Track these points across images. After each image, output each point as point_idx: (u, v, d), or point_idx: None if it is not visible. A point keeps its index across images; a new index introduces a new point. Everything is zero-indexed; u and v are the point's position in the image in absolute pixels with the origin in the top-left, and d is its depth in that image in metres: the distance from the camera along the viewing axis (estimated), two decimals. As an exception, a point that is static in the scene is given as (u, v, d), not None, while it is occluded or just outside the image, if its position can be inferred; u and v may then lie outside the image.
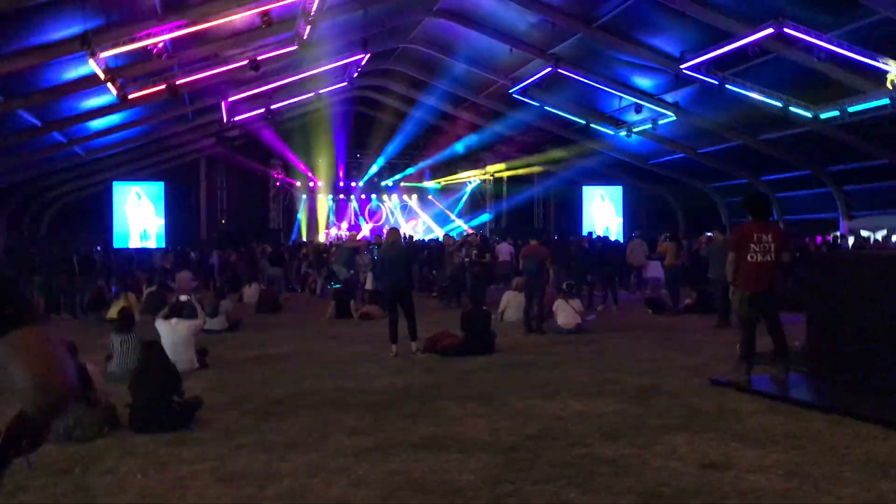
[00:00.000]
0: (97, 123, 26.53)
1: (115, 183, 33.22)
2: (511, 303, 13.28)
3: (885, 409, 6.53)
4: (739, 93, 22.89)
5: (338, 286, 15.90)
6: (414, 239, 27.75)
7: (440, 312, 15.33)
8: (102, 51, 18.36)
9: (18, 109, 22.54)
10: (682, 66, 22.13)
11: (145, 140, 30.60)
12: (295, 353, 10.60)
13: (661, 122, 26.53)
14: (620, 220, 35.68)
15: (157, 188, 34.27)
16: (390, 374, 8.93)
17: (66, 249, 16.02)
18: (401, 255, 10.14)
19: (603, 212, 35.70)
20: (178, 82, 21.45)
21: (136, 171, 34.56)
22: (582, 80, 25.13)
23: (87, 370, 6.67)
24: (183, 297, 11.99)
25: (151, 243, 32.96)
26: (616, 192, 36.43)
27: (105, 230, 33.23)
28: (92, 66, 18.76)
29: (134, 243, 32.98)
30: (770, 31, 18.78)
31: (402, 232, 10.70)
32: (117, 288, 16.97)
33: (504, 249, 21.26)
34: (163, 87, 21.28)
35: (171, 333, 9.35)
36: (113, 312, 14.49)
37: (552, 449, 5.75)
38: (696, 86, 24.21)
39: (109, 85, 19.60)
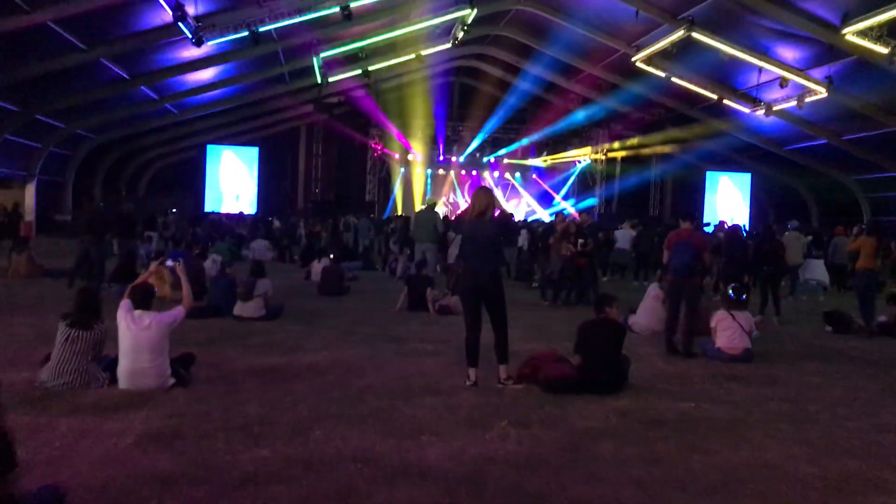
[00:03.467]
0: (188, 79, 23.90)
1: (208, 146, 30.61)
2: (646, 307, 9.12)
3: None
4: (913, 65, 17.86)
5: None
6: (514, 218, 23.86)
7: (541, 311, 11.32)
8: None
9: (102, 59, 19.98)
10: (844, 31, 17.37)
11: (241, 102, 27.94)
12: (329, 367, 6.88)
13: (808, 99, 21.52)
14: (748, 210, 30.56)
15: (252, 153, 31.54)
16: (457, 430, 5.06)
17: (94, 206, 12.79)
18: (490, 230, 6.26)
19: (729, 200, 30.65)
20: (260, 29, 18.23)
21: (234, 136, 32.09)
22: (720, 46, 20.48)
23: None
24: (167, 264, 8.56)
25: (243, 209, 30.25)
26: (744, 179, 31.25)
27: (197, 193, 30.78)
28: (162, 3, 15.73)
29: (227, 208, 30.33)
30: (974, -19, 14.13)
31: (495, 198, 6.41)
32: (149, 255, 13.64)
33: (622, 236, 17.07)
34: (244, 33, 18.13)
35: (132, 332, 5.79)
36: (139, 285, 11.26)
37: None
38: (853, 59, 19.38)
39: (181, 25, 16.49)
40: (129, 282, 11.54)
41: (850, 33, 17.39)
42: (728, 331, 7.57)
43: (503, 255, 6.47)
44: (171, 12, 15.83)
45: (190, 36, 17.13)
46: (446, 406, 5.61)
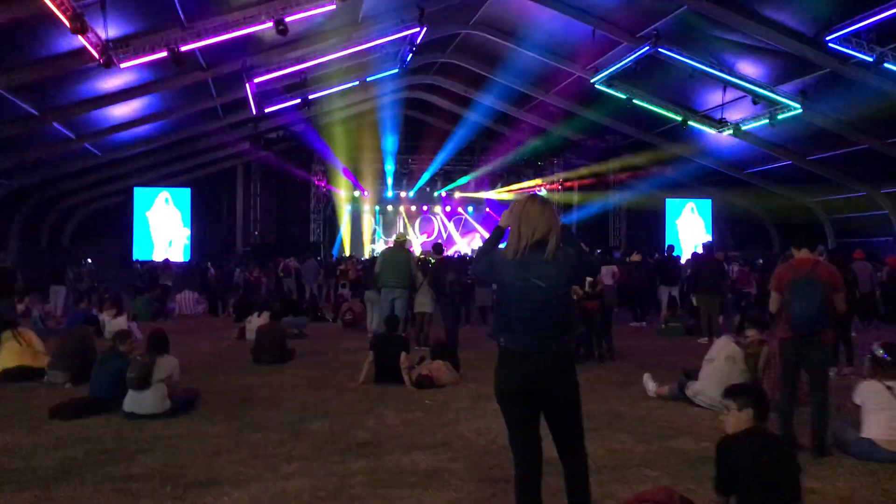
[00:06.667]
0: (109, 115, 20.30)
1: (136, 189, 26.86)
2: (715, 371, 6.11)
3: None
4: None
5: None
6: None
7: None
8: (63, -15, 11.94)
9: (1, 90, 16.33)
10: (827, 38, 15.27)
11: (170, 140, 24.40)
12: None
13: (780, 116, 19.39)
14: (709, 237, 28.40)
15: (184, 195, 27.85)
16: None
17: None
18: (556, 276, 3.15)
19: (691, 227, 28.49)
20: (182, 48, 15.00)
21: (164, 178, 28.29)
22: (685, 62, 18.26)
23: None
24: None
25: (177, 256, 26.49)
26: (704, 205, 29.21)
27: (126, 240, 26.92)
28: (53, 9, 12.32)
29: (159, 255, 26.50)
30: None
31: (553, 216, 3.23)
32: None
33: (604, 271, 14.22)
34: (163, 53, 14.86)
35: None
36: None
37: None
38: (825, 72, 17.30)
39: (81, 39, 13.11)
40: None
41: (833, 42, 15.32)
42: (885, 412, 4.64)
43: (575, 322, 3.33)
44: (68, 24, 12.39)
45: (94, 53, 13.76)
46: None
